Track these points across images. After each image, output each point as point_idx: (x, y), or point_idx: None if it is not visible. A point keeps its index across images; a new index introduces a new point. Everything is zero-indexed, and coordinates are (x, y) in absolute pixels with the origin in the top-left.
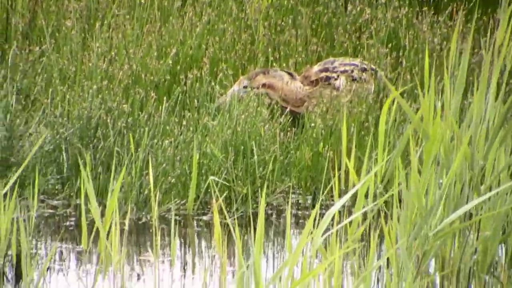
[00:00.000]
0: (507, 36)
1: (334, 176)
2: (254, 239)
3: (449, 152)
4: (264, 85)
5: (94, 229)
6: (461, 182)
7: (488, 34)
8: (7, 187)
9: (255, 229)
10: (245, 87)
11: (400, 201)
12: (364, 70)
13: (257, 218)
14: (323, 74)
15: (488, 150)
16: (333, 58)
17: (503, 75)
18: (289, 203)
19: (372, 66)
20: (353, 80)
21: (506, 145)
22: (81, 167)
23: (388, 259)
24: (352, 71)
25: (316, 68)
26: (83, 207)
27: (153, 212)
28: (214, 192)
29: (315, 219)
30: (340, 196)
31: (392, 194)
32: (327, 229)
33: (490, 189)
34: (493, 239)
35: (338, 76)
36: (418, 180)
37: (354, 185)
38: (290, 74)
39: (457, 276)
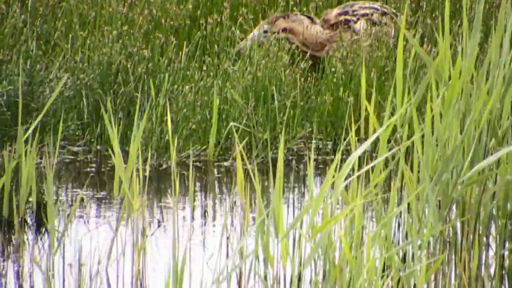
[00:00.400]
0: None
1: (352, 122)
2: (274, 185)
3: (468, 97)
4: (284, 30)
5: (116, 176)
6: (480, 127)
7: None
8: (28, 132)
9: (275, 174)
10: (265, 31)
11: (422, 146)
12: (384, 13)
13: (277, 162)
14: (343, 17)
15: (504, 94)
16: (353, 2)
17: None
18: (312, 148)
19: (393, 10)
20: (373, 23)
21: None
22: (103, 112)
23: (408, 204)
24: (372, 15)
25: (335, 11)
26: (116, 152)
27: (172, 158)
28: (235, 138)
29: (336, 165)
30: (360, 142)
31: (413, 140)
32: (348, 175)
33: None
34: None
35: (357, 19)
36: (439, 124)
37: (374, 131)
38: (310, 18)
39: (476, 222)
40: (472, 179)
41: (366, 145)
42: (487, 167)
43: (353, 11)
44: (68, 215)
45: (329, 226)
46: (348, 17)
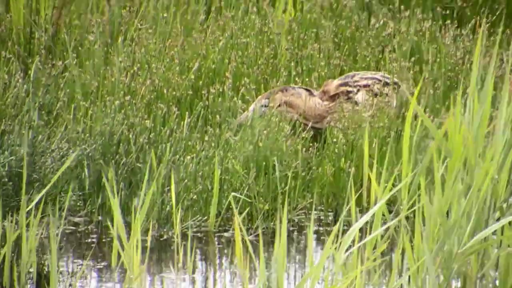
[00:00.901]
0: None
1: (353, 193)
2: (275, 255)
3: (472, 168)
4: (283, 104)
5: (115, 246)
6: (483, 198)
7: (511, 47)
8: (32, 204)
9: (274, 244)
10: (264, 106)
11: (423, 217)
12: (386, 84)
13: (278, 234)
14: (343, 88)
15: (501, 164)
16: (354, 72)
17: None
18: (312, 219)
19: (395, 80)
20: (375, 94)
21: None
22: (105, 183)
23: (409, 276)
24: (373, 85)
25: (336, 82)
26: (115, 225)
27: (176, 229)
28: (236, 208)
29: (336, 236)
30: (362, 213)
31: (415, 210)
32: (349, 246)
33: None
34: None
35: (358, 90)
36: (441, 196)
37: (376, 201)
38: (308, 90)
39: None
40: (472, 248)
41: (367, 217)
42: (489, 236)
43: (354, 81)
44: (70, 285)
45: None
46: (348, 88)
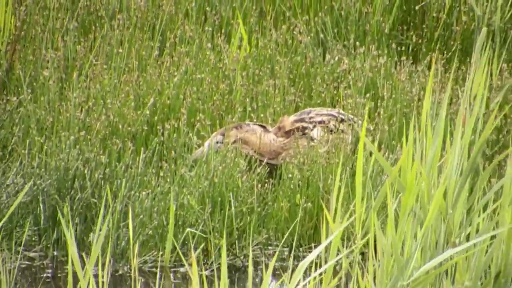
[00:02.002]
0: (481, 86)
1: (311, 227)
2: None
3: (425, 204)
4: (237, 141)
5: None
6: (436, 233)
7: (466, 83)
8: None
9: (232, 281)
10: (219, 142)
11: (376, 253)
12: (342, 120)
13: (234, 269)
14: (299, 124)
15: (456, 198)
16: (310, 108)
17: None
18: (274, 256)
19: (350, 116)
20: (330, 131)
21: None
22: (60, 218)
23: None
24: (329, 122)
25: (291, 118)
26: (69, 263)
27: (133, 264)
28: (192, 243)
29: (292, 271)
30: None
31: (369, 245)
32: (303, 280)
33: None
34: None
35: (314, 126)
36: (394, 232)
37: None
38: (263, 126)
39: None
40: (417, 280)
41: (318, 251)
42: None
43: (310, 118)
44: None
45: None
46: (304, 124)
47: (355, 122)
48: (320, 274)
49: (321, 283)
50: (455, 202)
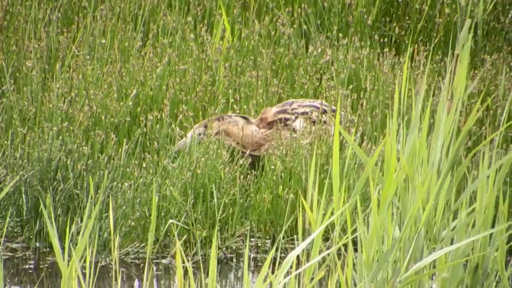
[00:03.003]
0: (462, 78)
1: (292, 219)
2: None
3: (404, 196)
4: (219, 132)
5: (49, 272)
6: (416, 225)
7: (448, 75)
8: None
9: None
10: (199, 134)
11: (356, 246)
12: (324, 111)
13: (217, 261)
14: (281, 116)
15: (439, 190)
16: (293, 100)
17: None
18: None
19: (333, 107)
20: (313, 122)
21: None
22: (42, 209)
23: None
24: (312, 113)
25: (274, 109)
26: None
27: (113, 256)
28: (174, 235)
29: (273, 263)
30: (300, 238)
31: (348, 238)
32: (287, 273)
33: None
34: (451, 281)
35: (296, 117)
36: (376, 223)
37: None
38: (245, 118)
39: None
40: (409, 279)
41: (303, 246)
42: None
43: (292, 109)
44: None
45: None
46: (286, 115)
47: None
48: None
49: (303, 276)
50: (437, 195)
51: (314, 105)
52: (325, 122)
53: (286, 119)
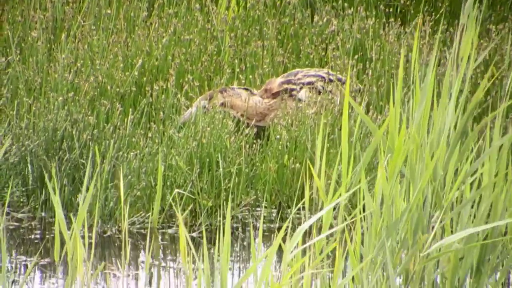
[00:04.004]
0: (468, 47)
1: (298, 189)
2: (219, 252)
3: (413, 165)
4: (222, 104)
5: (57, 242)
6: (424, 195)
7: (454, 44)
8: None
9: (219, 241)
10: (204, 107)
11: (365, 216)
12: (330, 81)
13: (223, 231)
14: (286, 86)
15: (448, 160)
16: (298, 70)
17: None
18: (261, 217)
19: (339, 76)
20: (318, 92)
21: (467, 155)
22: (47, 179)
23: (353, 276)
24: (317, 82)
25: (279, 80)
26: (56, 221)
27: (123, 225)
28: (180, 205)
29: (282, 233)
30: (307, 208)
31: (358, 209)
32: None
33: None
34: (467, 255)
35: (301, 87)
36: (384, 194)
37: (319, 199)
38: (248, 89)
39: None
40: (416, 249)
41: (314, 219)
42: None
43: (297, 79)
44: (13, 281)
45: None
46: (291, 86)
47: (343, 83)
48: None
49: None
50: (446, 165)
51: (319, 74)
52: (330, 91)
53: (292, 90)
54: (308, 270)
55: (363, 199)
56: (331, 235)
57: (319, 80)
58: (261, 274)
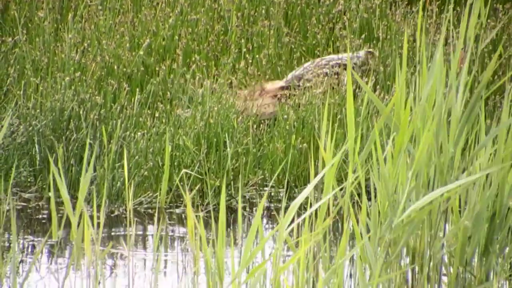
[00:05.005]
0: (477, 26)
1: (306, 168)
2: (219, 230)
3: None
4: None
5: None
6: (429, 172)
7: (462, 23)
8: None
9: (227, 221)
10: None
11: (369, 192)
12: (338, 65)
13: (230, 211)
14: (284, 92)
15: (457, 138)
16: (303, 69)
17: (474, 64)
18: (265, 196)
19: (345, 56)
20: (326, 74)
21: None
22: (51, 160)
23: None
24: (324, 67)
25: (279, 84)
26: (65, 201)
27: (128, 205)
28: (187, 185)
29: (286, 212)
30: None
31: (362, 184)
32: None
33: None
34: (475, 229)
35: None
36: (388, 171)
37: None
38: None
39: (428, 268)
40: (409, 218)
41: (308, 191)
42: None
43: (299, 86)
44: (21, 261)
45: (279, 273)
46: (291, 91)
47: (354, 64)
48: (315, 214)
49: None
50: (457, 140)
51: (327, 63)
52: (337, 73)
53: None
54: (308, 242)
55: (368, 180)
56: (339, 213)
57: (326, 66)
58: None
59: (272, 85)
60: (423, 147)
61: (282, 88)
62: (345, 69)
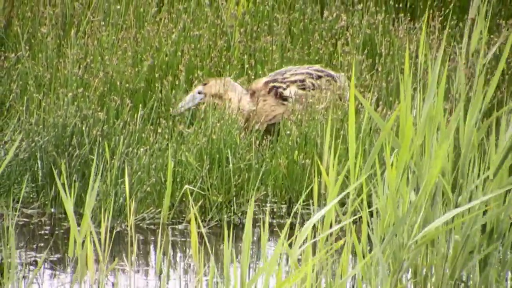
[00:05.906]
0: (483, 42)
1: (309, 184)
2: (228, 247)
3: (419, 162)
4: (215, 95)
5: (72, 238)
6: (432, 193)
7: (464, 39)
8: None
9: (230, 237)
10: (199, 92)
11: (371, 211)
12: (319, 77)
13: (232, 226)
14: (271, 85)
15: (463, 160)
16: (286, 68)
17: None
18: (267, 212)
19: (331, 72)
20: (304, 88)
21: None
22: (56, 175)
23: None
24: (305, 80)
25: (264, 79)
26: (70, 215)
27: (129, 221)
28: (189, 201)
29: (290, 228)
30: (315, 203)
31: (364, 203)
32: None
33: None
34: (464, 245)
35: (287, 86)
36: (392, 188)
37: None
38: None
39: (430, 283)
40: (424, 239)
41: (321, 213)
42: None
43: (284, 78)
44: (24, 277)
45: None
46: (277, 84)
47: (334, 78)
48: (315, 231)
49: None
50: (463, 163)
51: (307, 72)
52: (319, 87)
53: (277, 87)
54: (313, 262)
55: (370, 196)
56: (341, 229)
57: (307, 77)
58: (266, 271)
59: (256, 84)
60: (434, 174)
61: (267, 82)
62: (327, 80)
